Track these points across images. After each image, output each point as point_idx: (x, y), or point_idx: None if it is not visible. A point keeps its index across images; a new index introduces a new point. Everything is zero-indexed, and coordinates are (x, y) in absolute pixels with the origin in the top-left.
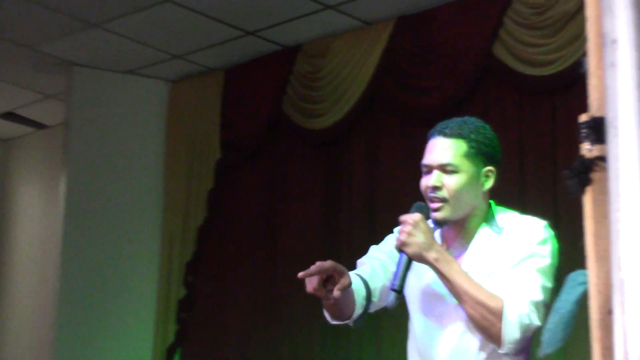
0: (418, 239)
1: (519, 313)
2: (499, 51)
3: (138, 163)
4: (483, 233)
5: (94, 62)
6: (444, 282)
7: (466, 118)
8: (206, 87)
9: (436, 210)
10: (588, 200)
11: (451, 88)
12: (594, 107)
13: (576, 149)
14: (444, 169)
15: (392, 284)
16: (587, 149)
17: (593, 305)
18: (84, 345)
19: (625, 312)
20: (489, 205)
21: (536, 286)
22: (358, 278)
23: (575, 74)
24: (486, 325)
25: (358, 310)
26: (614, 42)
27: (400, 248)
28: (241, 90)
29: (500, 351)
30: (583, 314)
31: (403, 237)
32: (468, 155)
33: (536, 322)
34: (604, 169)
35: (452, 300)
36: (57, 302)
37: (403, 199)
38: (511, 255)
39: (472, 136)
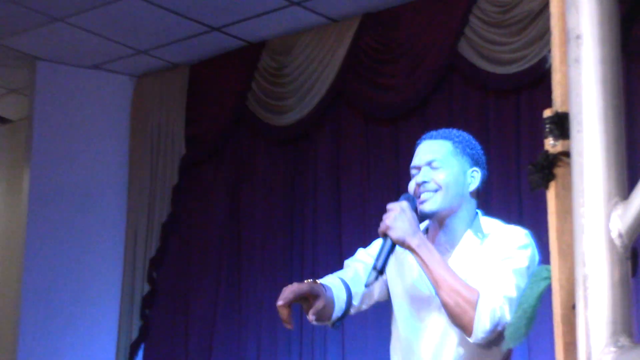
0: (403, 224)
1: (492, 305)
2: (464, 49)
3: (102, 158)
4: (467, 238)
5: (58, 56)
6: (423, 269)
7: (451, 128)
8: (171, 83)
9: (424, 201)
10: (551, 196)
11: (416, 85)
12: (558, 103)
13: (540, 147)
14: (431, 165)
15: (374, 264)
16: (551, 145)
17: (556, 300)
18: (47, 341)
19: (588, 307)
20: (476, 212)
21: (511, 284)
22: (340, 281)
23: (539, 73)
24: (459, 312)
25: (337, 313)
26: (578, 37)
27: (385, 232)
28: (206, 86)
29: (470, 340)
30: (546, 309)
31: (388, 222)
32: (453, 154)
33: (507, 316)
34: (568, 165)
35: (436, 301)
36: (20, 297)
37: (367, 195)
38: (492, 258)
39: (458, 138)
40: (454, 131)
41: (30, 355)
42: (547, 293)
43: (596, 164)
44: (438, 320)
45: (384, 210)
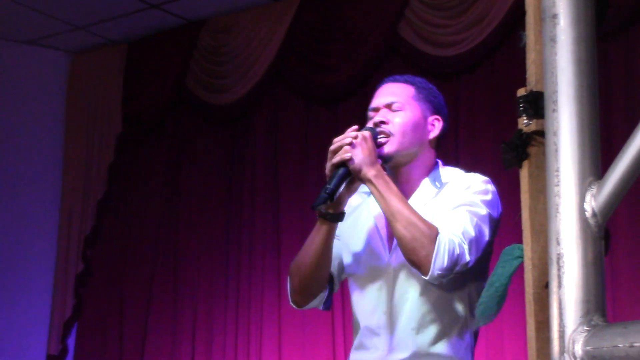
0: (362, 153)
1: (452, 241)
2: (404, 31)
3: (37, 136)
4: (424, 186)
5: None
6: (378, 201)
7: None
8: (108, 60)
9: (382, 144)
10: (524, 175)
11: (355, 67)
12: (532, 82)
13: (478, 129)
14: (390, 107)
15: (326, 188)
16: (524, 124)
17: (528, 279)
18: None
19: (562, 286)
20: (436, 162)
21: (471, 224)
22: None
23: (479, 56)
24: (416, 246)
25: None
26: (554, 17)
27: (342, 160)
28: (144, 64)
29: (426, 277)
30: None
31: (347, 148)
32: (415, 99)
33: (467, 256)
34: (541, 144)
35: (395, 254)
36: None
37: (305, 176)
38: (449, 203)
39: (421, 85)
40: (418, 77)
41: None
42: (518, 271)
43: (571, 143)
44: (395, 278)
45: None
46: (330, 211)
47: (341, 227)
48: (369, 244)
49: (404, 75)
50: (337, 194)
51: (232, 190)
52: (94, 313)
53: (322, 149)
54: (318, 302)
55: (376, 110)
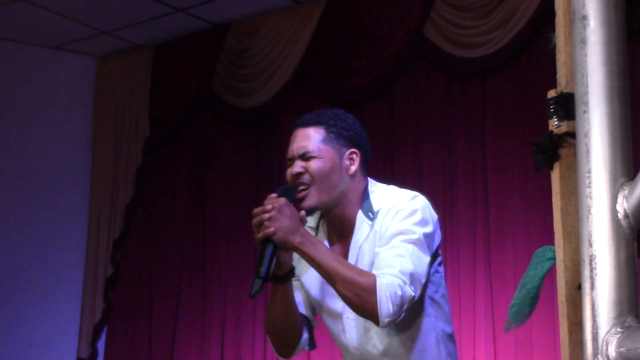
0: (283, 224)
1: (391, 286)
2: (430, 32)
3: (65, 140)
4: (359, 221)
5: (20, 36)
6: (312, 266)
7: (325, 109)
8: (135, 64)
9: (303, 198)
10: (556, 177)
11: (381, 68)
12: (563, 83)
13: (504, 130)
14: (304, 156)
15: (257, 271)
16: (555, 125)
17: (560, 281)
18: (10, 323)
19: (595, 288)
20: (365, 187)
21: (406, 258)
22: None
23: (505, 57)
24: (359, 302)
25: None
26: (584, 18)
27: (265, 236)
28: (170, 68)
29: (379, 327)
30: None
31: (267, 224)
32: (327, 141)
33: (409, 292)
34: (572, 145)
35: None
36: None
37: None
38: (383, 236)
39: (331, 122)
40: (327, 113)
41: None
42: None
43: (602, 144)
44: (356, 318)
45: None
46: (279, 274)
47: (298, 268)
48: (323, 286)
49: (313, 115)
50: (271, 272)
51: (259, 192)
52: (123, 316)
53: None
54: (301, 347)
55: (292, 160)
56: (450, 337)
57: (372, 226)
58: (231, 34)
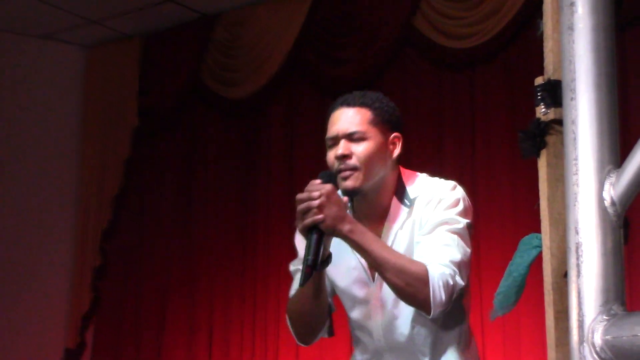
0: (331, 211)
1: (444, 276)
2: (419, 23)
3: (53, 130)
4: (395, 208)
5: (8, 25)
6: (361, 254)
7: (365, 91)
8: (123, 54)
9: (347, 178)
10: (542, 164)
11: (370, 59)
12: (550, 70)
13: (493, 120)
14: (352, 137)
15: (305, 260)
16: (542, 112)
17: (546, 269)
18: None
19: (581, 275)
20: (399, 175)
21: (453, 247)
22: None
23: (494, 47)
24: (412, 292)
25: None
26: (572, 4)
27: (314, 223)
28: (159, 58)
29: (429, 317)
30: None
31: (316, 211)
32: (374, 123)
33: (460, 282)
34: (559, 132)
35: (377, 280)
36: None
37: (321, 169)
38: (424, 225)
39: (376, 104)
40: (371, 95)
41: None
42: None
43: (590, 131)
44: (383, 300)
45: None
46: (324, 258)
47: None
48: (351, 274)
49: (356, 96)
50: (319, 260)
51: (248, 183)
52: (111, 306)
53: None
54: (322, 334)
55: (335, 139)
56: (471, 334)
57: (408, 214)
58: (221, 24)
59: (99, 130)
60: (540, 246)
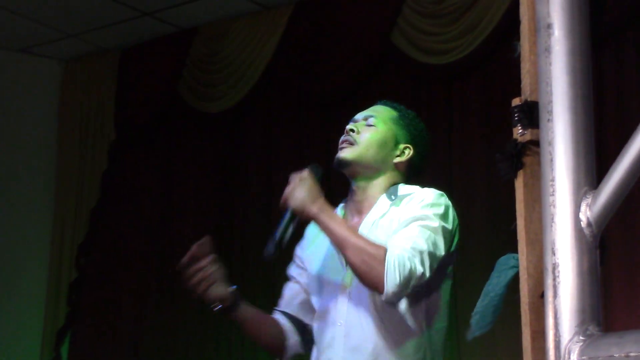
0: (301, 193)
1: (401, 257)
2: (397, 39)
3: (30, 143)
4: (381, 201)
5: None
6: (326, 234)
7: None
8: (101, 68)
9: (342, 150)
10: (519, 184)
11: (348, 74)
12: (527, 92)
13: (470, 137)
14: (367, 120)
15: (275, 235)
16: (519, 133)
17: (523, 289)
18: None
19: (558, 296)
20: (397, 181)
21: (422, 238)
22: (286, 319)
23: (471, 64)
24: (366, 270)
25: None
26: (549, 27)
27: (284, 203)
28: (137, 72)
29: (383, 298)
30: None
31: (287, 191)
32: (392, 122)
33: (419, 268)
34: (536, 154)
35: (347, 278)
36: None
37: None
38: (402, 218)
39: (403, 113)
40: (406, 109)
41: None
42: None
43: (566, 153)
44: (350, 293)
45: None
46: (227, 304)
47: (305, 254)
48: (327, 261)
49: (394, 102)
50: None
51: (226, 197)
52: (87, 321)
53: (314, 155)
54: (293, 351)
55: (354, 121)
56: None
57: (391, 206)
58: (198, 38)
59: (76, 143)
60: (517, 266)
